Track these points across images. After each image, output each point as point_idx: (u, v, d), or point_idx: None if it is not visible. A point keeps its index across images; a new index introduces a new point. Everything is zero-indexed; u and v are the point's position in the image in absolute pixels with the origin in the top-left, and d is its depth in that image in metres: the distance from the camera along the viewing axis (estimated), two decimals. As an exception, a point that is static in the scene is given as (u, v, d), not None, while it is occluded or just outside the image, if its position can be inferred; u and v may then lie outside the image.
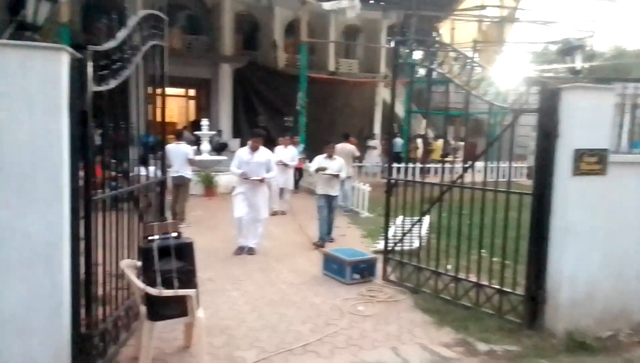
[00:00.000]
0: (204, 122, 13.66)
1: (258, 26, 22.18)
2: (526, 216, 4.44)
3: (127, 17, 3.81)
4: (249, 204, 6.90)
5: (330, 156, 7.75)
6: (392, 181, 5.87)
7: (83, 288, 3.24)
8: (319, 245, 7.39)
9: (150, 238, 3.49)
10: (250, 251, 6.96)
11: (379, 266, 5.92)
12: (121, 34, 3.49)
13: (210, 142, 14.41)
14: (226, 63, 19.34)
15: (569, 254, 4.21)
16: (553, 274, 4.30)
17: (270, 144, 9.34)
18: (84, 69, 3.04)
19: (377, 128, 21.85)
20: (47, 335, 3.00)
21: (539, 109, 4.33)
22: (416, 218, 5.72)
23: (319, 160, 7.73)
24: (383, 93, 22.19)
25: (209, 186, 11.86)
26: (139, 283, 3.34)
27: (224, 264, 6.44)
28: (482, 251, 4.92)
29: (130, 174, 4.15)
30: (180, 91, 22.18)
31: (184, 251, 3.52)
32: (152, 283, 3.33)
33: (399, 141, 18.10)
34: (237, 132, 19.32)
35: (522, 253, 4.59)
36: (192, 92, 22.55)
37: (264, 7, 20.29)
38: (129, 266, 3.53)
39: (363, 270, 5.80)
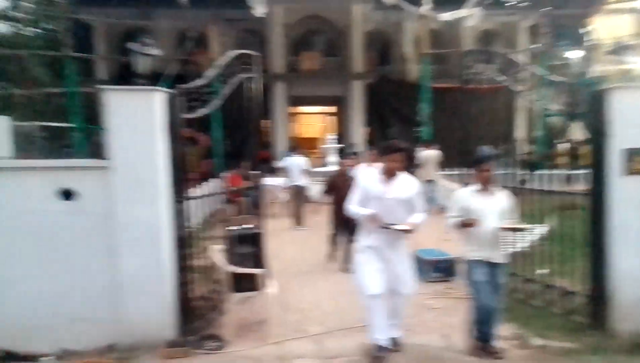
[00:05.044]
0: (331, 136, 14.85)
1: (389, 42, 22.94)
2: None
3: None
4: (385, 268, 3.92)
5: (485, 188, 4.05)
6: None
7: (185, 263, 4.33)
8: (492, 353, 4.04)
9: (231, 228, 4.48)
10: (397, 345, 4.11)
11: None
12: (209, 73, 4.56)
13: (341, 154, 15.58)
14: (357, 80, 20.46)
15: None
16: (614, 273, 4.21)
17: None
18: (175, 103, 4.16)
19: (521, 134, 20.85)
20: (156, 296, 4.13)
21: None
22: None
23: (464, 196, 4.12)
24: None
25: (333, 195, 12.87)
26: (220, 262, 4.33)
27: (322, 260, 7.21)
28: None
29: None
30: (319, 108, 23.98)
31: (257, 239, 4.43)
32: (233, 263, 4.30)
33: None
34: (369, 145, 20.20)
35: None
36: (329, 109, 24.19)
37: (393, 22, 20.97)
38: (217, 249, 4.55)
39: (443, 270, 6.10)
